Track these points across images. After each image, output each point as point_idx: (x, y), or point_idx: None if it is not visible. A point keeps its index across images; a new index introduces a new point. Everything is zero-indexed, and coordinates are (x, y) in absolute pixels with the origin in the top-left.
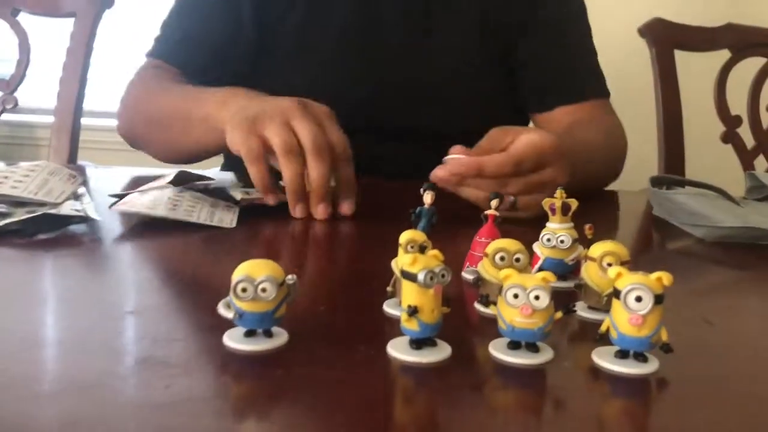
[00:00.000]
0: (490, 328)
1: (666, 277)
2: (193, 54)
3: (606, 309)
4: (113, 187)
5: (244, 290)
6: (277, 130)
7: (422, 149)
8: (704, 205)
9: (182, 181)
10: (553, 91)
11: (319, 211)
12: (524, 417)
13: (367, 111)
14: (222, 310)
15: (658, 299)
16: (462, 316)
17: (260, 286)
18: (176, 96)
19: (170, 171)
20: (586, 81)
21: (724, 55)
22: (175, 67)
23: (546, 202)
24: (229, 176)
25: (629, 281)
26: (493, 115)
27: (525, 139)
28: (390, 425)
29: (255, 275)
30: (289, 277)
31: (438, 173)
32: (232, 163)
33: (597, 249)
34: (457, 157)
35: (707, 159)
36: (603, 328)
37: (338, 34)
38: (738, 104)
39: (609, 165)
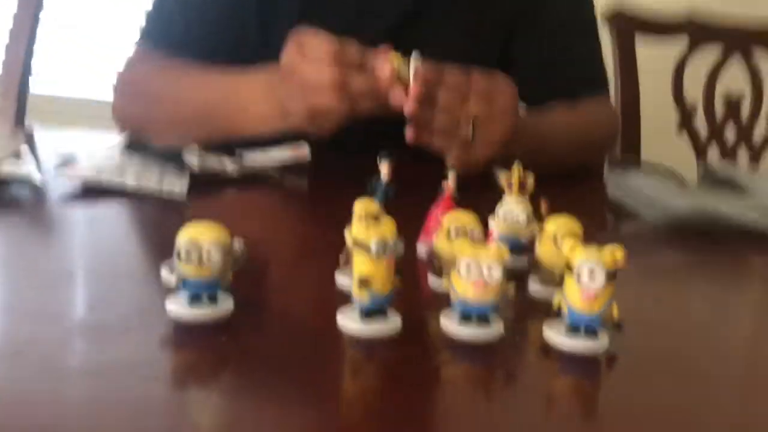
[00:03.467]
0: (442, 301)
1: (618, 252)
2: (197, 53)
3: (558, 285)
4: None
5: (188, 255)
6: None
7: (400, 145)
8: (659, 190)
9: (133, 145)
10: (547, 90)
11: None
12: (473, 391)
13: None
14: (164, 274)
15: (611, 275)
16: (414, 289)
17: (205, 252)
18: (202, 88)
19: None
20: (582, 80)
21: (682, 48)
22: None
23: (503, 178)
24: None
25: (582, 256)
26: None
27: None
28: (337, 397)
29: (200, 239)
30: (237, 241)
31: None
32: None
33: (551, 224)
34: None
35: (662, 148)
36: (555, 303)
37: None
38: (693, 95)
39: (580, 145)
